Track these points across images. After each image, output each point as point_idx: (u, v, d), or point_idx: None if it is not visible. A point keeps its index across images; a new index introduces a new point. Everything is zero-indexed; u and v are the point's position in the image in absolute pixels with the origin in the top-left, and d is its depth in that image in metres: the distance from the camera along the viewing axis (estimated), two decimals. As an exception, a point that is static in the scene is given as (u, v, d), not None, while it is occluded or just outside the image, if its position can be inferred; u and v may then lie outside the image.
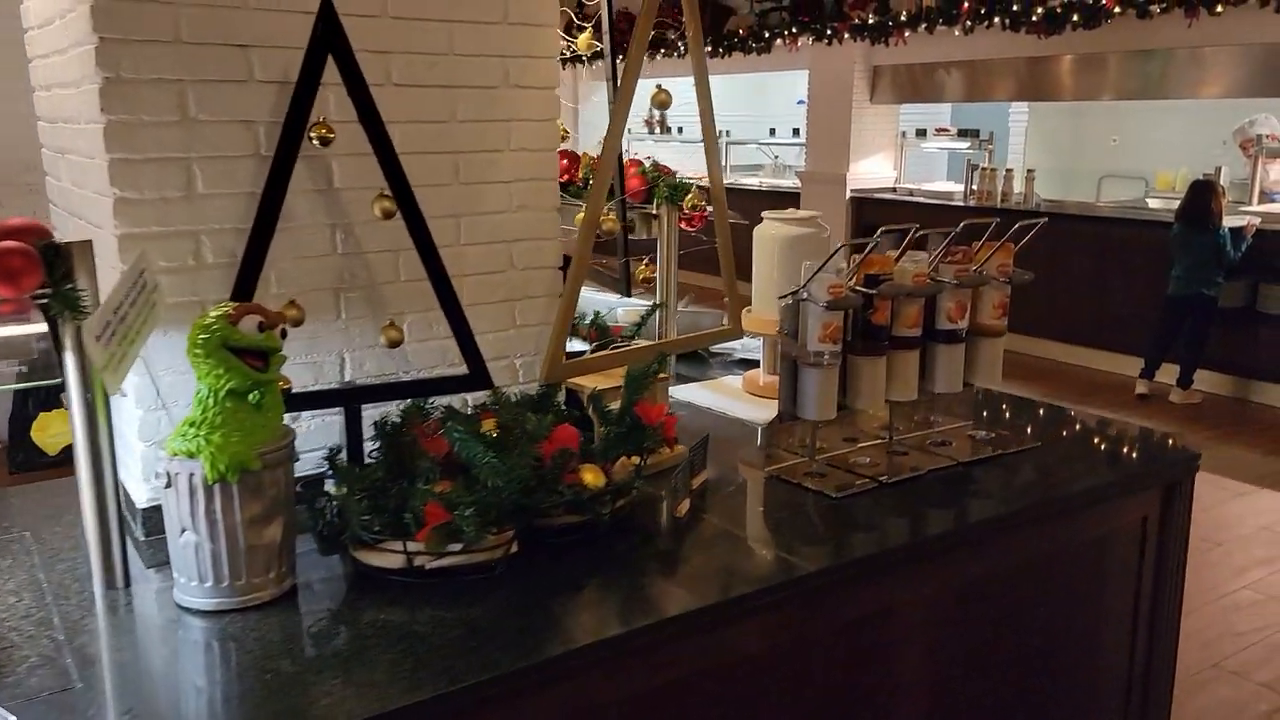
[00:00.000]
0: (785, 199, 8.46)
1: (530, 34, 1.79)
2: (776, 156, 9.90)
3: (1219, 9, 5.21)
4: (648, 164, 2.56)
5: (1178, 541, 1.97)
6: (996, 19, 6.26)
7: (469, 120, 1.72)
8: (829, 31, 7.37)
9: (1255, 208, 5.83)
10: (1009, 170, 6.96)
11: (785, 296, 1.74)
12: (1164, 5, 5.38)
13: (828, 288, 1.68)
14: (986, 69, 7.06)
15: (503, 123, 1.76)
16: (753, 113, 10.62)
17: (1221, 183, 5.87)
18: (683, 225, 2.52)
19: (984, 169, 7.08)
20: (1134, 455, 2.07)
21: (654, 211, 2.46)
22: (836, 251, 1.77)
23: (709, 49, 8.55)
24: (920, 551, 1.57)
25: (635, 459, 1.60)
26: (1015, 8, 6.13)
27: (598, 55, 8.82)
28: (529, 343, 1.83)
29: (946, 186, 7.56)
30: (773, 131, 9.48)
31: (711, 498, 1.69)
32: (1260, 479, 4.46)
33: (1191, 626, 3.19)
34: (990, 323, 1.96)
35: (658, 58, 9.21)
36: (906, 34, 6.90)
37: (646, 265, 2.19)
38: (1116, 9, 5.59)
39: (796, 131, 8.71)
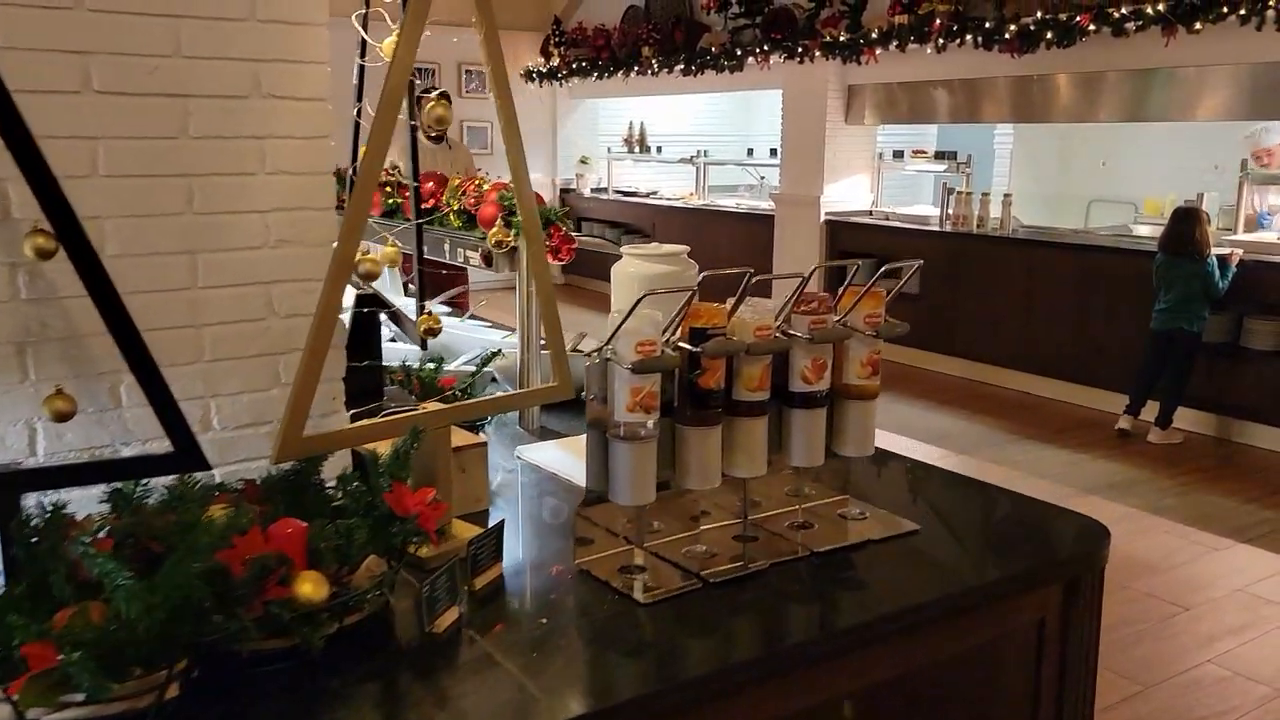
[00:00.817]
0: (762, 222, 8.17)
1: (289, 34, 1.50)
2: (763, 178, 9.61)
3: (1198, 26, 4.91)
4: (504, 189, 2.25)
5: (1082, 647, 1.64)
6: (969, 37, 5.97)
7: (206, 137, 1.42)
8: (800, 49, 7.10)
9: (1241, 236, 5.51)
10: (985, 194, 6.65)
11: (591, 354, 1.44)
12: (1139, 23, 5.08)
13: (636, 345, 1.38)
14: (966, 89, 6.78)
15: (254, 140, 1.47)
16: (735, 131, 10.36)
17: (1206, 209, 5.56)
18: (550, 258, 2.22)
19: (960, 193, 6.78)
20: (1031, 540, 1.75)
21: (512, 243, 2.16)
22: (690, 299, 1.46)
23: (682, 66, 8.29)
24: (730, 682, 1.26)
25: (386, 560, 1.29)
26: (988, 25, 5.84)
27: (576, 72, 8.53)
28: (297, 404, 1.53)
29: (924, 210, 7.25)
30: (750, 152, 9.20)
31: (496, 604, 1.39)
32: (1238, 531, 4.12)
33: (1142, 710, 2.85)
34: (858, 383, 1.65)
35: (631, 75, 8.97)
36: (878, 52, 6.61)
37: (429, 315, 1.87)
38: (1091, 26, 5.29)
39: (774, 152, 8.42)
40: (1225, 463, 5.04)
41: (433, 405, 1.55)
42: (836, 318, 1.62)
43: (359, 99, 2.00)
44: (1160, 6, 5.00)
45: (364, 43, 2.00)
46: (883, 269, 1.64)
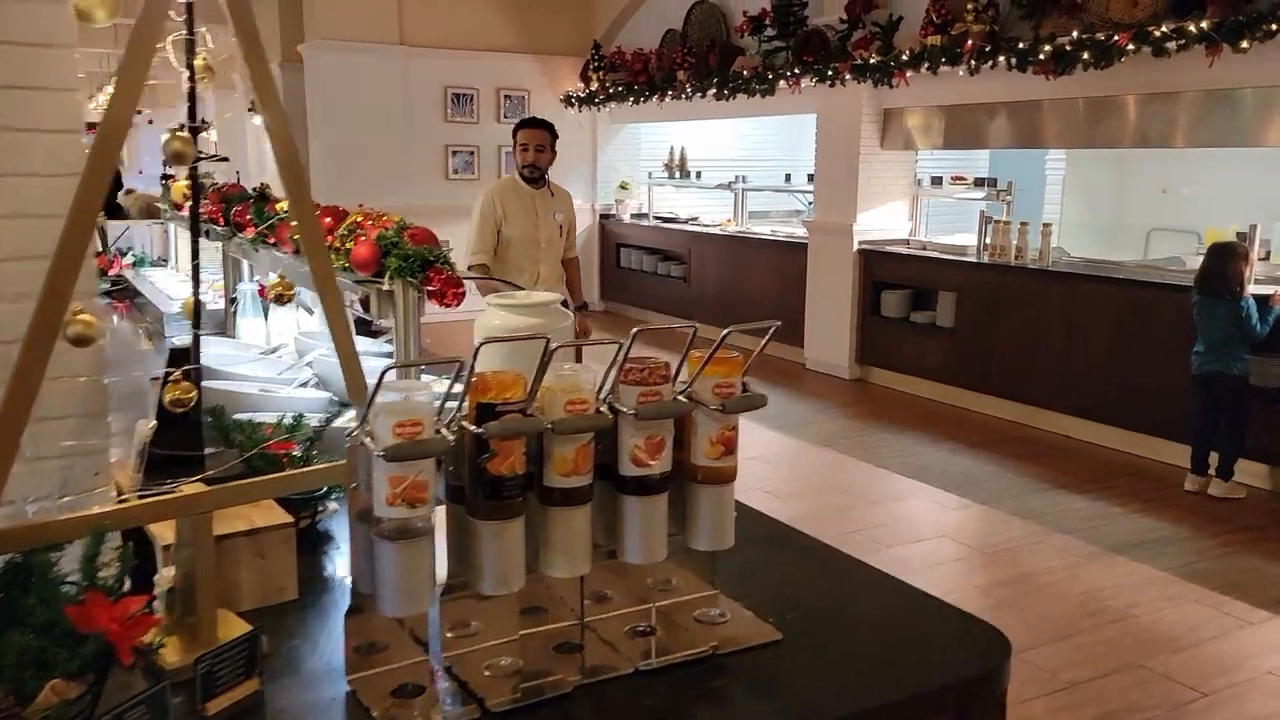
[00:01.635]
0: (798, 250, 7.89)
1: (28, 57, 1.32)
2: (811, 203, 9.30)
3: (1244, 45, 4.51)
4: (391, 229, 2.05)
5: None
6: (1002, 58, 5.63)
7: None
8: (830, 72, 6.82)
9: (1297, 273, 5.05)
10: (1024, 224, 6.27)
11: (349, 434, 1.23)
12: (1181, 42, 4.70)
13: (395, 426, 1.16)
14: (1007, 112, 6.41)
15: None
16: (776, 156, 10.08)
17: (1254, 244, 5.12)
18: (434, 303, 2.02)
19: (998, 222, 6.41)
20: (916, 655, 1.46)
21: (385, 287, 1.96)
22: (463, 366, 1.25)
23: (715, 91, 8.08)
24: None
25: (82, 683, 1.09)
26: (1021, 45, 5.50)
27: (614, 96, 8.35)
28: (49, 480, 1.35)
29: (962, 240, 6.89)
30: (788, 177, 8.92)
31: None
32: (1277, 603, 3.70)
33: (1132, 822, 2.50)
34: (709, 464, 1.41)
35: (666, 100, 8.79)
36: (909, 75, 6.30)
37: (178, 384, 1.65)
38: (1130, 46, 4.92)
39: (811, 178, 8.14)
40: (1275, 521, 4.58)
41: (192, 486, 1.35)
42: (683, 387, 1.38)
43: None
44: (1204, 24, 4.62)
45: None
46: (728, 330, 1.39)
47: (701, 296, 9.11)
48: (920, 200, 7.49)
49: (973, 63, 5.79)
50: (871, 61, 6.49)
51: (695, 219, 9.75)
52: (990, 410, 6.42)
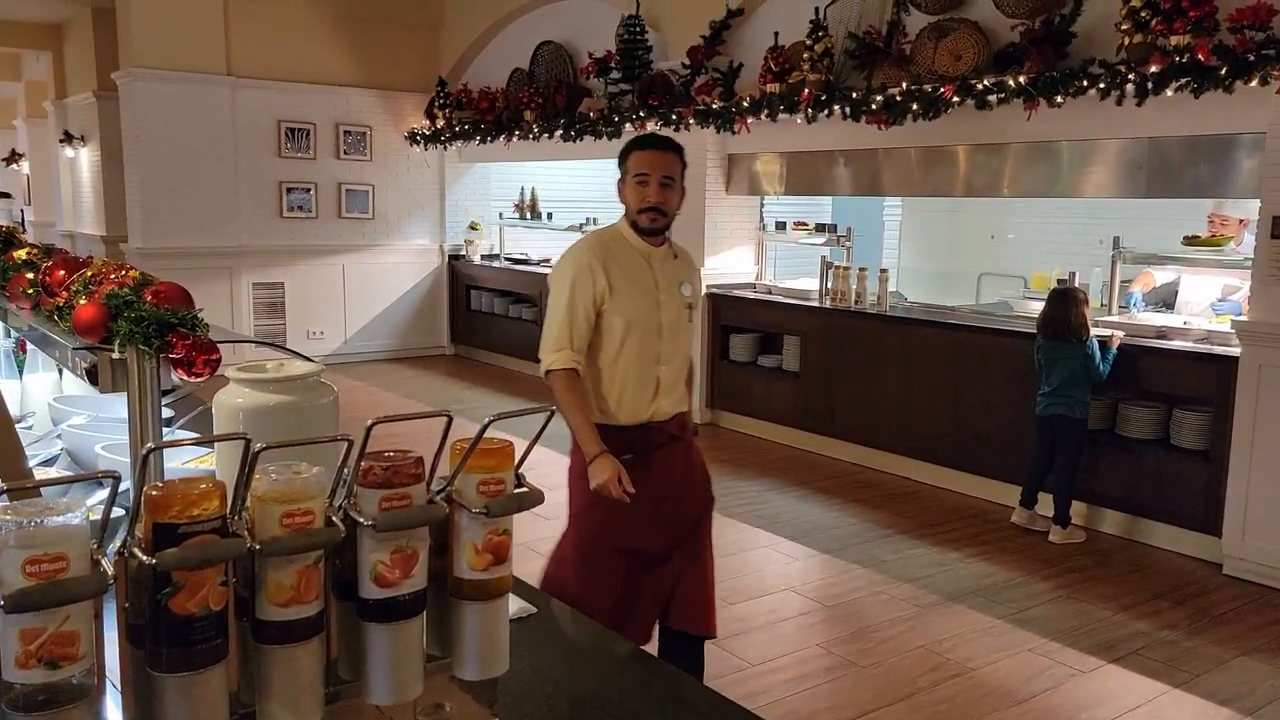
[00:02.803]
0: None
1: None
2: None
3: (1059, 100, 4.68)
4: (128, 286, 1.75)
5: None
6: (837, 108, 5.71)
7: None
8: (674, 116, 6.80)
9: (1114, 318, 5.27)
10: (862, 269, 6.36)
11: (-24, 574, 0.95)
12: (1001, 95, 4.85)
13: (25, 564, 0.89)
14: (844, 160, 6.52)
15: None
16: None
17: (1086, 287, 5.33)
18: (181, 374, 1.72)
19: (838, 267, 6.48)
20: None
21: (115, 355, 1.66)
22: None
23: (561, 132, 7.95)
24: None
25: None
26: (855, 95, 5.59)
27: (460, 135, 8.01)
28: None
29: (806, 284, 6.95)
30: (637, 220, 8.85)
31: None
32: (1107, 648, 3.74)
33: None
34: (474, 577, 1.19)
35: (514, 140, 8.61)
36: (750, 121, 6.33)
37: None
38: (955, 98, 5.05)
39: (659, 221, 8.08)
40: (1103, 561, 4.70)
41: None
42: (441, 485, 1.16)
43: None
44: (1021, 79, 4.78)
45: None
46: (491, 418, 1.18)
47: (551, 340, 8.89)
48: (765, 245, 7.53)
49: (810, 111, 5.85)
50: (714, 107, 6.49)
51: (547, 260, 9.56)
52: (835, 454, 6.44)
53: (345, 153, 9.44)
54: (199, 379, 1.76)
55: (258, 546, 1.02)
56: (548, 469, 6.33)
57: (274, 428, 1.45)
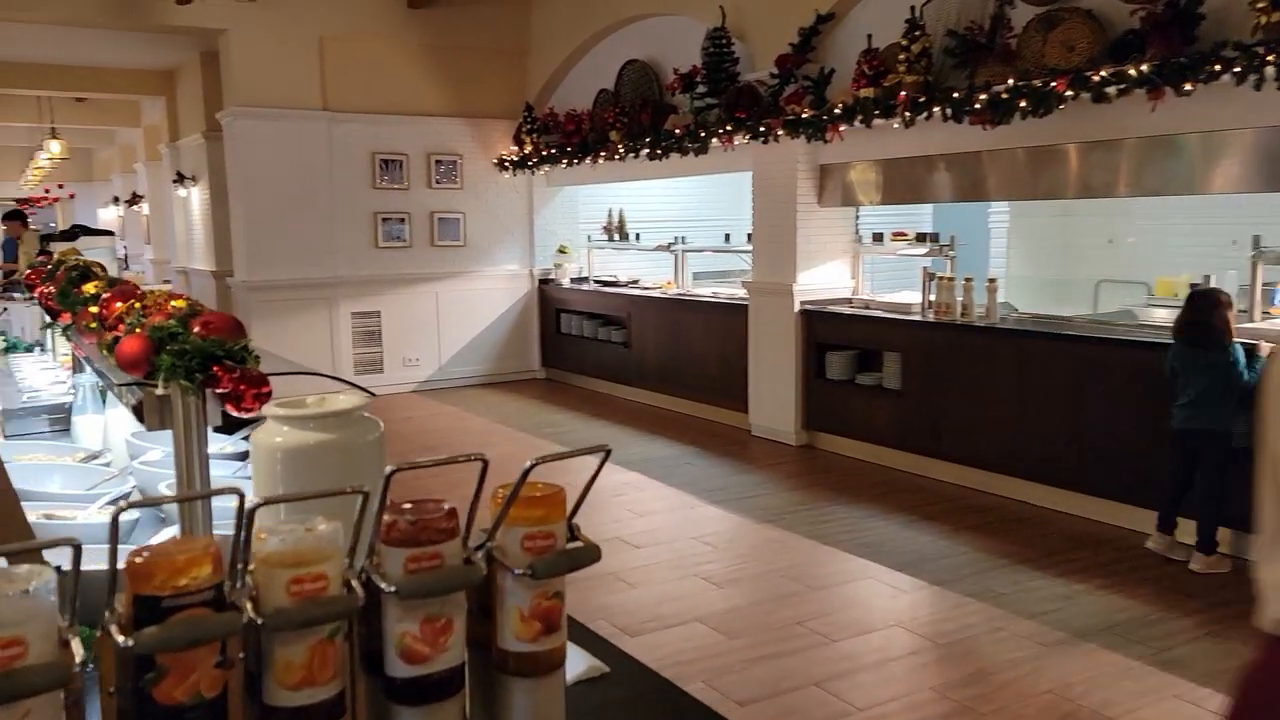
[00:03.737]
0: (739, 312, 7.57)
1: None
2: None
3: (1188, 87, 4.30)
4: (174, 314, 1.64)
5: None
6: (937, 109, 5.41)
7: None
8: (762, 128, 6.58)
9: (1258, 324, 4.80)
10: (968, 279, 6.01)
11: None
12: (1121, 86, 4.48)
13: (-24, 652, 0.75)
14: (946, 165, 6.18)
15: None
16: (717, 216, 9.84)
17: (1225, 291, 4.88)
18: (230, 409, 1.60)
19: (942, 278, 6.14)
20: None
21: (160, 390, 1.55)
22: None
23: (647, 151, 7.83)
24: None
25: None
26: (956, 95, 5.28)
27: (547, 159, 8.00)
28: None
29: (907, 298, 6.62)
30: (728, 237, 8.65)
31: None
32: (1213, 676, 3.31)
33: None
34: (521, 649, 1.00)
35: (600, 161, 8.53)
36: (843, 128, 6.07)
37: None
38: (1069, 92, 4.70)
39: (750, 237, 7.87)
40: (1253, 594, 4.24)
41: None
42: (478, 542, 0.99)
43: None
44: (1144, 67, 4.41)
45: None
46: (534, 461, 1.00)
47: (643, 361, 8.75)
48: (860, 257, 7.23)
49: (907, 114, 5.56)
50: (804, 116, 6.25)
51: (636, 281, 9.44)
52: (943, 475, 6.08)
53: (437, 182, 9.52)
54: (249, 414, 1.64)
55: (260, 620, 0.85)
56: (639, 495, 6.14)
57: (316, 469, 1.31)
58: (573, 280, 9.97)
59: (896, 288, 7.31)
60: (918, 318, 6.28)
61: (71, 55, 10.81)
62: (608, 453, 1.04)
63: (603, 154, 8.38)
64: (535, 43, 9.77)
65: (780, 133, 6.49)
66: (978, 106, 5.13)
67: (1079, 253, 7.72)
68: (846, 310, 6.80)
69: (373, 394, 1.78)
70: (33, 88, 11.86)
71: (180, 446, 1.54)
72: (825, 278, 7.08)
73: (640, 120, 8.04)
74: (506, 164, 9.65)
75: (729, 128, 6.87)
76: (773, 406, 7.22)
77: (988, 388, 5.72)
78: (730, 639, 3.88)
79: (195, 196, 11.08)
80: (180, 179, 11.15)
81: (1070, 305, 6.69)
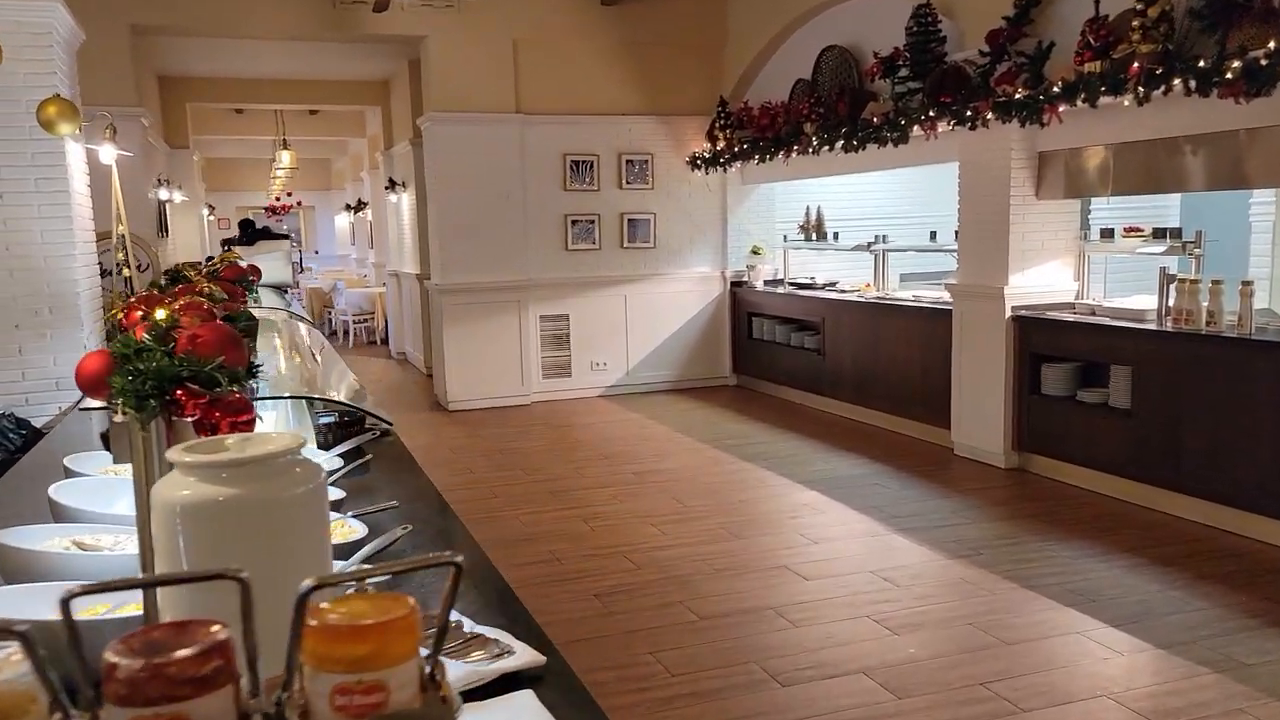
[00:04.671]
0: (944, 318, 6.88)
1: None
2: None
3: None
4: (148, 333, 1.40)
5: None
6: (1178, 82, 4.57)
7: None
8: (969, 112, 5.88)
9: None
10: (1216, 282, 5.07)
11: None
12: None
13: None
14: (1196, 147, 5.25)
15: None
16: (922, 212, 9.08)
17: None
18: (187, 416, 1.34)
19: (1184, 280, 5.23)
20: None
21: (118, 417, 1.31)
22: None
23: (842, 142, 7.27)
24: None
25: None
26: (1202, 64, 4.43)
27: (739, 155, 7.60)
28: None
29: (1142, 303, 5.70)
30: (934, 235, 7.91)
31: None
32: None
33: None
34: None
35: (793, 155, 8.05)
36: (1063, 109, 5.29)
37: None
38: (1350, 51, 3.80)
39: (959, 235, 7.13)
40: None
41: None
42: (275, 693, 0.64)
43: None
44: None
45: None
46: (310, 585, 0.63)
47: (838, 370, 8.18)
48: (1086, 257, 6.35)
49: (1140, 89, 4.75)
50: (1017, 97, 5.51)
51: (833, 284, 8.86)
52: (1181, 511, 5.18)
53: (628, 182, 9.36)
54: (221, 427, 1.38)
55: None
56: (818, 518, 5.59)
57: (227, 536, 1.02)
58: (766, 282, 9.52)
59: (1131, 293, 6.36)
60: (1153, 326, 5.39)
61: (300, 70, 11.55)
62: (458, 568, 0.66)
63: (796, 148, 7.89)
64: (732, 34, 9.40)
65: (990, 116, 5.77)
66: (1229, 76, 4.26)
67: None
68: (1068, 317, 5.96)
69: (389, 424, 1.48)
70: (269, 102, 12.80)
71: (138, 482, 1.30)
72: (1043, 279, 6.27)
73: (837, 110, 7.49)
74: (699, 162, 9.34)
75: (932, 114, 6.22)
76: (979, 424, 6.48)
77: (1241, 410, 4.80)
78: (898, 697, 3.36)
79: (404, 202, 11.53)
80: (391, 185, 11.64)
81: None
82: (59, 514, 1.92)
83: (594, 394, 9.43)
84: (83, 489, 2.09)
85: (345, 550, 1.78)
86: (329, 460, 2.48)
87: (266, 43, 9.35)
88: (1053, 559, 4.69)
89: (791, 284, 9.23)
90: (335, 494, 2.18)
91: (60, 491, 1.99)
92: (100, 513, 2.02)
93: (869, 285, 8.39)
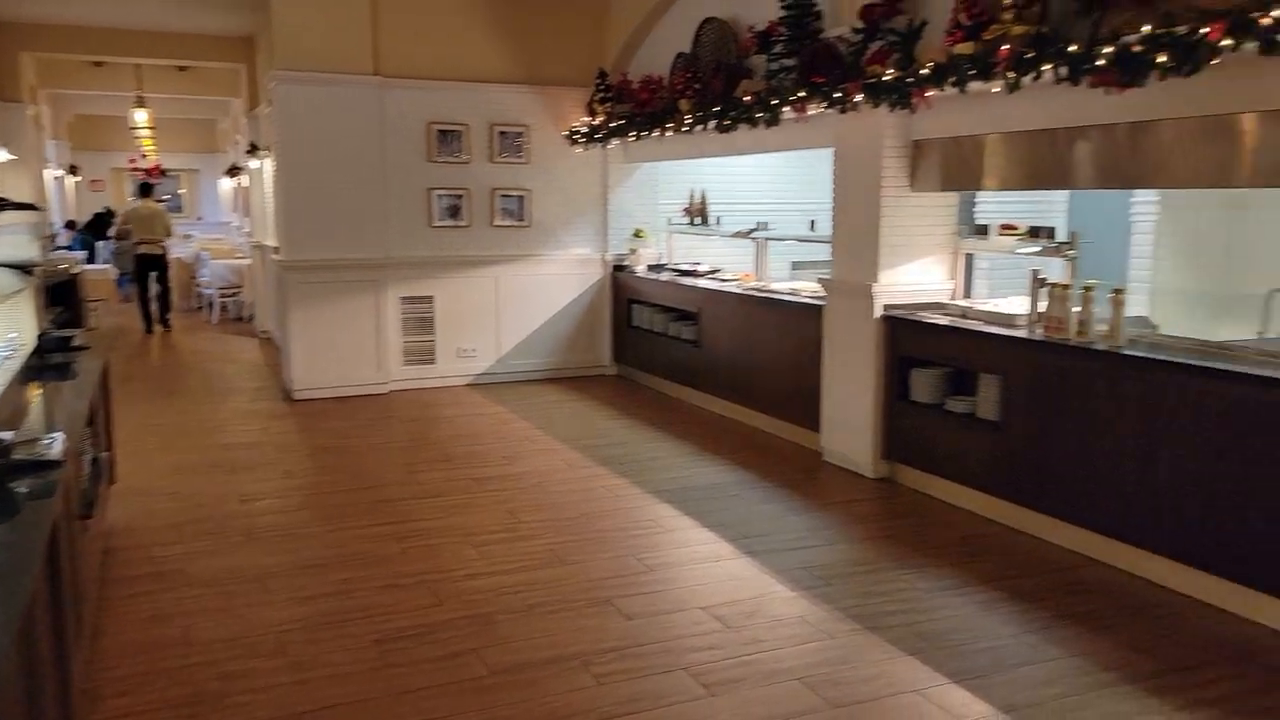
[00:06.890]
0: (817, 314, 6.41)
1: None
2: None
3: None
4: None
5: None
6: (1048, 67, 4.12)
7: None
8: (838, 95, 5.39)
9: None
10: (1087, 288, 4.67)
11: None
12: (1309, 29, 3.13)
13: None
14: (1077, 140, 4.82)
15: None
16: (809, 198, 8.60)
17: None
18: None
19: (1055, 285, 4.83)
20: None
21: None
22: None
23: (715, 121, 6.73)
24: None
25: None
26: (1074, 49, 3.98)
27: (617, 131, 6.95)
28: None
29: (1012, 306, 5.30)
30: (813, 225, 7.45)
31: None
32: None
33: None
34: None
35: (667, 133, 7.49)
36: (932, 93, 4.82)
37: None
38: (1226, 41, 3.36)
39: (838, 225, 6.66)
40: None
41: None
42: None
43: None
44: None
45: None
46: None
47: (713, 365, 7.69)
48: (962, 255, 5.94)
49: (1010, 75, 4.29)
50: (884, 79, 5.03)
51: (715, 272, 8.35)
52: (1049, 535, 4.82)
53: (500, 155, 8.69)
54: None
55: None
56: (661, 537, 5.01)
57: None
58: (649, 267, 8.97)
59: (1013, 289, 5.97)
60: (1023, 333, 4.99)
61: (159, 21, 10.55)
62: None
63: (670, 126, 7.33)
64: (614, 2, 8.76)
65: (859, 99, 5.28)
66: (1101, 63, 3.82)
67: (1250, 259, 6.14)
68: (937, 318, 5.54)
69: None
70: (128, 55, 11.72)
71: None
72: (916, 277, 5.84)
73: (713, 87, 6.95)
74: (577, 136, 8.71)
75: (803, 94, 5.71)
76: (847, 430, 6.05)
77: (1107, 430, 4.42)
78: (692, 784, 2.85)
79: (266, 169, 10.65)
80: (253, 149, 10.75)
81: (1234, 326, 5.24)
82: None
83: (461, 383, 8.79)
84: None
85: None
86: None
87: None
88: (904, 592, 4.25)
89: (674, 270, 8.70)
90: None
91: None
92: None
93: (749, 275, 7.90)
